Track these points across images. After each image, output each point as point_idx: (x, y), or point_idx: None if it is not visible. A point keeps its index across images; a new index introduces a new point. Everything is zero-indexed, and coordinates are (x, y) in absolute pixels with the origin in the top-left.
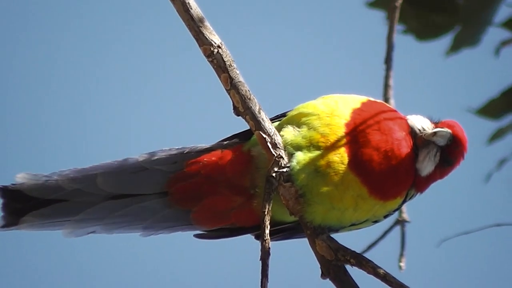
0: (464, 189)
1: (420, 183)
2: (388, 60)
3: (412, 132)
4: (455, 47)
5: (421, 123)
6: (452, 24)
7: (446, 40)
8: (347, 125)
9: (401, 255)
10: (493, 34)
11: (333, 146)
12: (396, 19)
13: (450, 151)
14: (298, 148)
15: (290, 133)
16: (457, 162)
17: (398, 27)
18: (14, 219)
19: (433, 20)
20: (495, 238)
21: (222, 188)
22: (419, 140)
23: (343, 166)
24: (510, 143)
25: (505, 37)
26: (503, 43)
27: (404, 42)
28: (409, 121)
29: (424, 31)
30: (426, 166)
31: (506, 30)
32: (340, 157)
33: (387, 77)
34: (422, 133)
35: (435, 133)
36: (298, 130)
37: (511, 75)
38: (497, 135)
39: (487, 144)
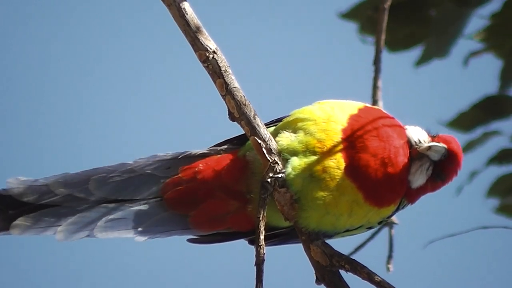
0: (436, 202)
1: (410, 194)
2: (376, 62)
3: (408, 142)
4: (425, 58)
5: (418, 135)
6: (423, 36)
7: (416, 52)
8: (343, 130)
9: (389, 257)
10: (464, 46)
11: (330, 152)
12: (385, 21)
13: (443, 167)
14: (294, 153)
15: (286, 138)
16: (450, 178)
17: (368, 39)
18: (5, 224)
19: (404, 32)
20: (482, 240)
21: (218, 193)
22: (413, 152)
23: (339, 171)
24: (480, 155)
25: (475, 48)
26: (472, 54)
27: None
28: (406, 132)
29: (395, 43)
30: (418, 179)
31: (477, 42)
32: (336, 163)
33: (375, 79)
34: (417, 145)
35: (430, 147)
36: (294, 136)
37: (481, 87)
38: (467, 148)
39: None
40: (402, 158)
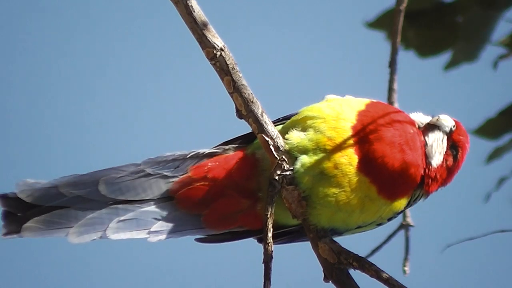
0: (463, 208)
1: (429, 178)
2: (392, 64)
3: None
4: (454, 62)
5: (422, 118)
6: (451, 41)
7: (446, 57)
8: (353, 127)
9: (405, 259)
10: (492, 52)
11: (340, 149)
12: (400, 23)
13: (455, 138)
14: (304, 151)
15: (296, 136)
16: (463, 151)
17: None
18: (15, 226)
19: (433, 37)
20: (499, 244)
21: (229, 191)
22: (423, 129)
23: (351, 167)
24: (507, 162)
25: (504, 53)
26: (501, 57)
27: (405, 58)
28: (411, 116)
29: (424, 47)
30: (436, 150)
31: (505, 48)
32: (348, 159)
33: (391, 81)
34: (425, 122)
35: (438, 117)
36: (304, 133)
37: (508, 93)
38: (495, 155)
39: (485, 164)
40: (419, 143)
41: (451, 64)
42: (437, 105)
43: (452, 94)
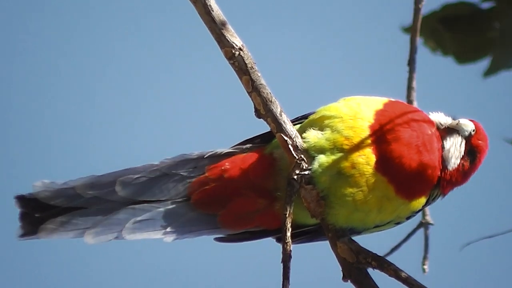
0: (484, 207)
1: (444, 180)
2: (411, 62)
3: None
4: (492, 69)
5: (442, 118)
6: (489, 48)
7: (484, 63)
8: (371, 127)
9: (425, 257)
10: None
11: (358, 148)
12: (419, 21)
13: (474, 143)
14: (321, 151)
15: (313, 136)
16: (481, 156)
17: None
18: (33, 228)
19: (471, 43)
20: None
21: (246, 191)
22: (443, 131)
23: (369, 167)
24: None
25: None
26: None
27: (441, 63)
28: (431, 117)
29: (463, 53)
30: (452, 155)
31: None
32: (366, 159)
33: (410, 79)
34: (445, 125)
35: (458, 121)
36: (321, 133)
37: None
38: None
39: None
40: (436, 145)
41: (490, 71)
42: (475, 112)
43: (492, 99)
